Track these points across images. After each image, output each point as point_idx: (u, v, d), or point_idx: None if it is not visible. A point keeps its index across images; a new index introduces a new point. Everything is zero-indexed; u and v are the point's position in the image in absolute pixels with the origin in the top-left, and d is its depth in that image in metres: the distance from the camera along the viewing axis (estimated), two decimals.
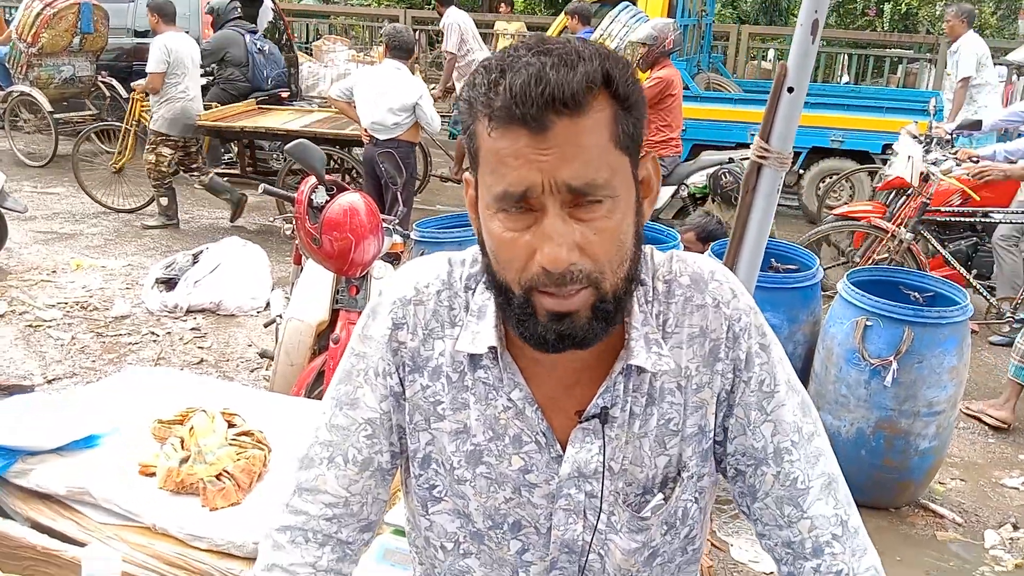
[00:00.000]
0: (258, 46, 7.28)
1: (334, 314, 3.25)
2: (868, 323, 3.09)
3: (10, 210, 5.45)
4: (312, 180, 3.12)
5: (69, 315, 4.76)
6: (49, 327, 4.57)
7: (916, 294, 3.43)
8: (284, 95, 7.48)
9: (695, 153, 6.82)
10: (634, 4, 6.97)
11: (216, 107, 6.73)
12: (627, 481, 0.99)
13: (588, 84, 0.82)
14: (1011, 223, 4.71)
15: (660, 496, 1.00)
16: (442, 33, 7.76)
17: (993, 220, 4.77)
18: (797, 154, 6.87)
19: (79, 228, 6.52)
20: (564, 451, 0.98)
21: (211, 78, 7.27)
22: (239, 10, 7.39)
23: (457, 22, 7.54)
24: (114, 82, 8.40)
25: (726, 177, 5.45)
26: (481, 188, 0.89)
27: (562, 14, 8.01)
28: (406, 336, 1.01)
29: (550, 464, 0.98)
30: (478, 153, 0.88)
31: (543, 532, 1.01)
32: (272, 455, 1.95)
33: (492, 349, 0.96)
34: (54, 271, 5.46)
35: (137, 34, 8.79)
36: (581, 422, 0.97)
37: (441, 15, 7.73)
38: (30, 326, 4.57)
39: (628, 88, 0.86)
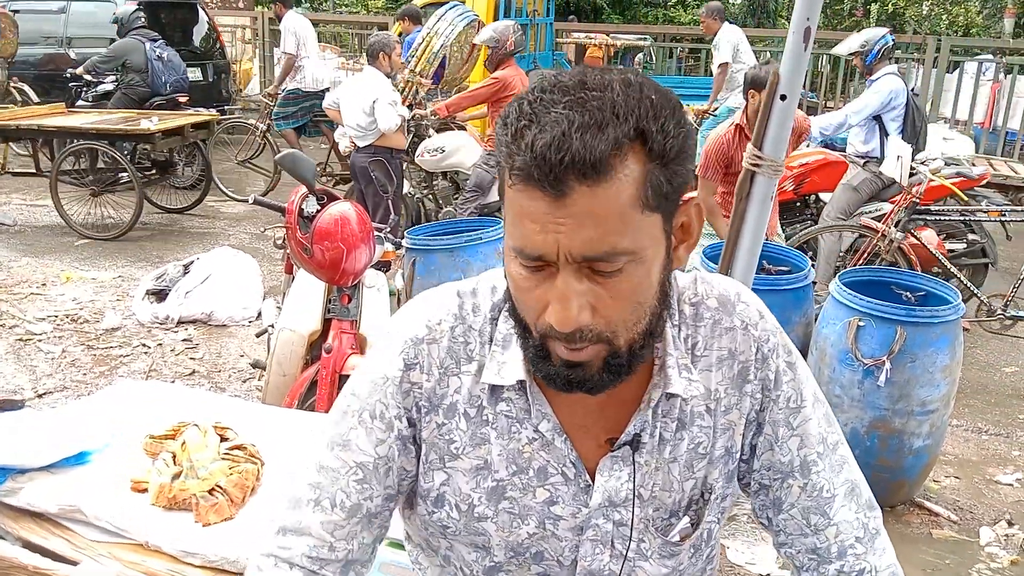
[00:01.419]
0: (157, 53, 7.60)
1: (326, 324, 3.24)
2: (861, 323, 3.09)
3: None
4: (303, 190, 3.11)
5: (59, 328, 4.73)
6: (39, 341, 4.54)
7: (908, 294, 3.44)
8: (182, 100, 7.74)
9: None
10: (462, 2, 7.15)
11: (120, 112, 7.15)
12: (655, 507, 0.99)
13: (615, 149, 0.77)
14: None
15: (686, 519, 1.00)
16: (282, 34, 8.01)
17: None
18: None
19: (69, 240, 6.49)
20: (592, 480, 0.96)
21: (116, 84, 7.64)
22: (142, 19, 7.80)
23: (294, 25, 7.77)
24: (26, 87, 8.70)
25: None
26: (505, 225, 0.86)
27: (395, 22, 8.26)
28: (420, 376, 0.98)
29: (577, 495, 0.97)
30: (503, 193, 0.85)
31: (566, 564, 0.99)
32: (265, 469, 1.93)
33: (520, 382, 0.94)
34: (44, 284, 5.43)
35: (68, 42, 9.29)
36: (613, 450, 0.96)
37: (280, 17, 7.97)
38: (20, 340, 4.54)
39: (667, 142, 0.80)
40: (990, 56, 10.06)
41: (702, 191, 4.14)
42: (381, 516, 1.01)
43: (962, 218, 4.82)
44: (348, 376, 3.00)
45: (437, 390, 0.97)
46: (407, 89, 6.59)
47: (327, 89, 8.03)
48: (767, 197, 1.63)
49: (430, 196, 6.47)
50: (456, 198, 6.14)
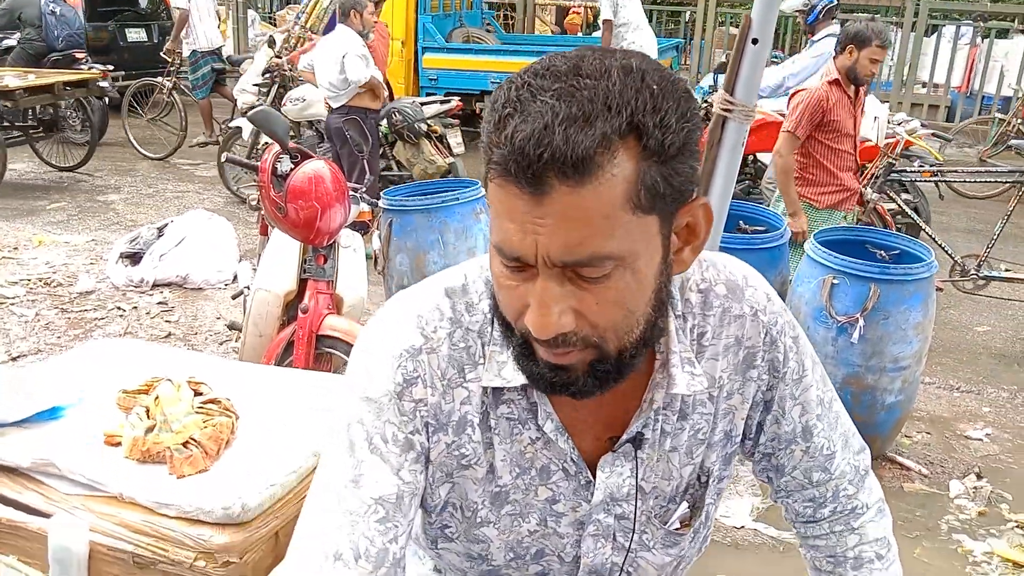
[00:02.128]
0: (51, 8, 7.69)
1: (302, 284, 3.23)
2: (835, 281, 3.12)
3: None
4: (276, 148, 3.07)
5: (32, 292, 4.67)
6: (12, 304, 4.49)
7: (882, 252, 3.46)
8: (79, 56, 7.82)
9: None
10: None
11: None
12: (655, 496, 0.97)
13: (602, 146, 0.70)
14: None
15: (684, 504, 0.99)
16: None
17: None
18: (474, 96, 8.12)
19: (41, 204, 6.40)
20: (593, 476, 0.94)
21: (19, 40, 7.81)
22: None
23: None
24: None
25: (395, 116, 5.93)
26: (490, 219, 0.80)
27: None
28: (423, 391, 0.89)
29: (578, 491, 0.94)
30: (487, 183, 0.78)
31: (568, 561, 0.98)
32: (240, 422, 1.92)
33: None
34: (16, 248, 5.36)
35: None
36: (615, 449, 0.93)
37: None
38: None
39: (666, 138, 0.73)
40: (968, 20, 10.06)
41: (785, 146, 3.78)
42: (402, 565, 0.89)
43: (898, 177, 4.87)
44: (325, 337, 3.02)
45: (443, 405, 0.89)
46: (297, 44, 6.81)
47: (221, 47, 8.19)
48: (738, 144, 1.63)
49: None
50: (321, 146, 6.24)
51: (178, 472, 1.74)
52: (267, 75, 6.61)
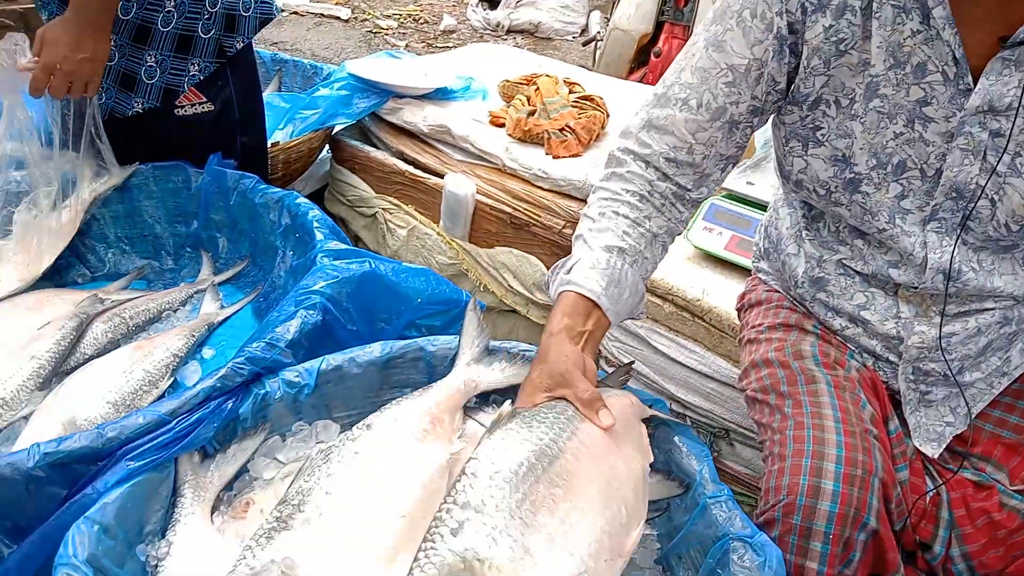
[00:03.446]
0: None
1: (658, 27, 3.18)
2: None
3: None
4: None
5: (403, 27, 5.09)
6: (387, 35, 4.93)
7: None
8: None
9: None
10: None
11: None
12: None
13: None
14: None
15: None
16: None
17: None
18: None
19: None
20: (974, 84, 0.88)
21: None
22: None
23: None
24: None
25: None
26: None
27: None
28: None
29: (954, 99, 0.89)
30: None
31: (929, 175, 0.94)
32: (611, 121, 2.01)
33: None
34: None
35: None
36: (1004, 48, 0.85)
37: None
38: (370, 32, 4.96)
39: None
40: None
41: None
42: (741, 130, 1.01)
43: None
44: None
45: None
46: None
47: None
48: None
49: None
50: None
51: (554, 153, 1.87)
52: None
